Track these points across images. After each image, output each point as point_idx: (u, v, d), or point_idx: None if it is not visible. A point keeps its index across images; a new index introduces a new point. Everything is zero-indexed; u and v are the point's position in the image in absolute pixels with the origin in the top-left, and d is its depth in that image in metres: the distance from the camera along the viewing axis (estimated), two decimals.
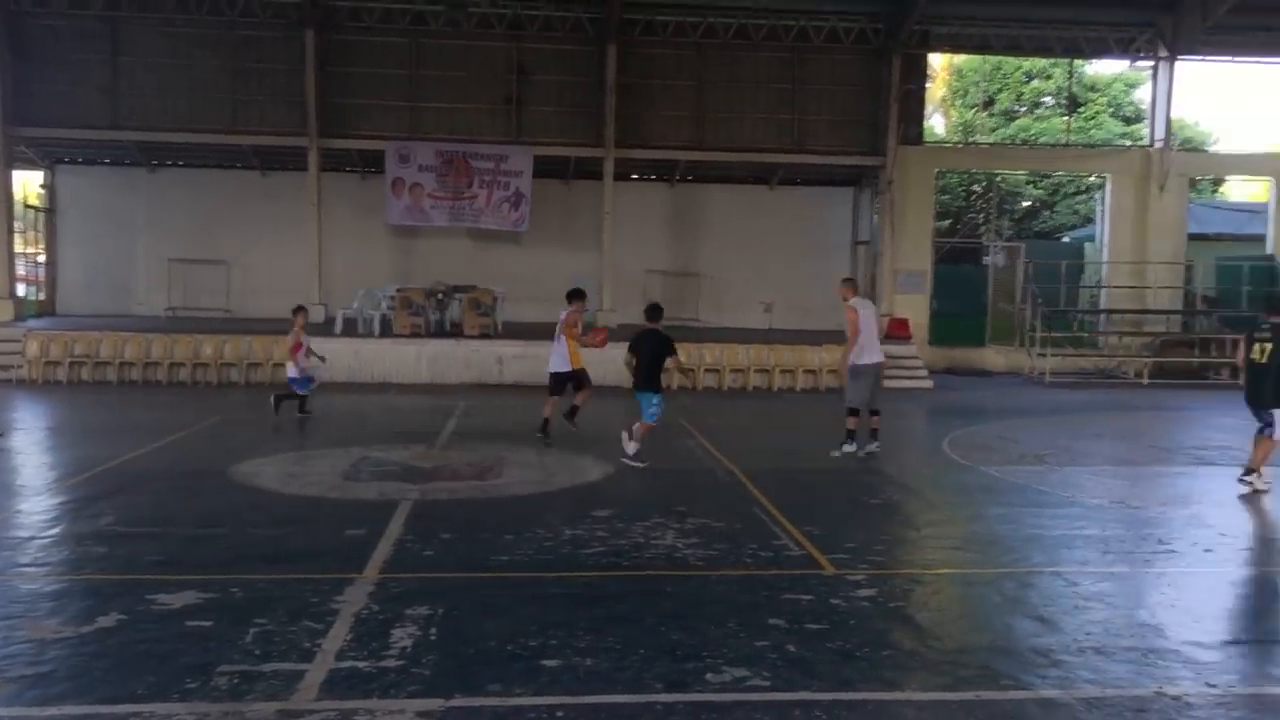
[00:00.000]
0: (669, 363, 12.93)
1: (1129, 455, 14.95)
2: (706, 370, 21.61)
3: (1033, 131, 37.81)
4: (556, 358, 14.32)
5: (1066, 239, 35.11)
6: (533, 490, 11.31)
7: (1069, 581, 8.10)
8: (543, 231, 26.87)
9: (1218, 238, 30.21)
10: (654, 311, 13.04)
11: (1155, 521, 10.40)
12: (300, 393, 16.17)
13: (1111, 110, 39.61)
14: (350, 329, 23.03)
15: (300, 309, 16.49)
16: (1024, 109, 41.61)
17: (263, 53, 25.03)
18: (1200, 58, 27.16)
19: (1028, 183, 37.73)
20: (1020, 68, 40.28)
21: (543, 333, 22.09)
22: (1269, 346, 11.68)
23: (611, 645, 6.46)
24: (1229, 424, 17.77)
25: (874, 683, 6.04)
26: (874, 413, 13.58)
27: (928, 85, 33.54)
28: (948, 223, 35.48)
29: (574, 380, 14.34)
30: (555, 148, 25.79)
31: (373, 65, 25.37)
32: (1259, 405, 11.85)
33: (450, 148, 25.09)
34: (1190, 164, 29.59)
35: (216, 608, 7.03)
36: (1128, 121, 38.60)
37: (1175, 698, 5.84)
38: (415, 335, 22.32)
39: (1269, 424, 11.70)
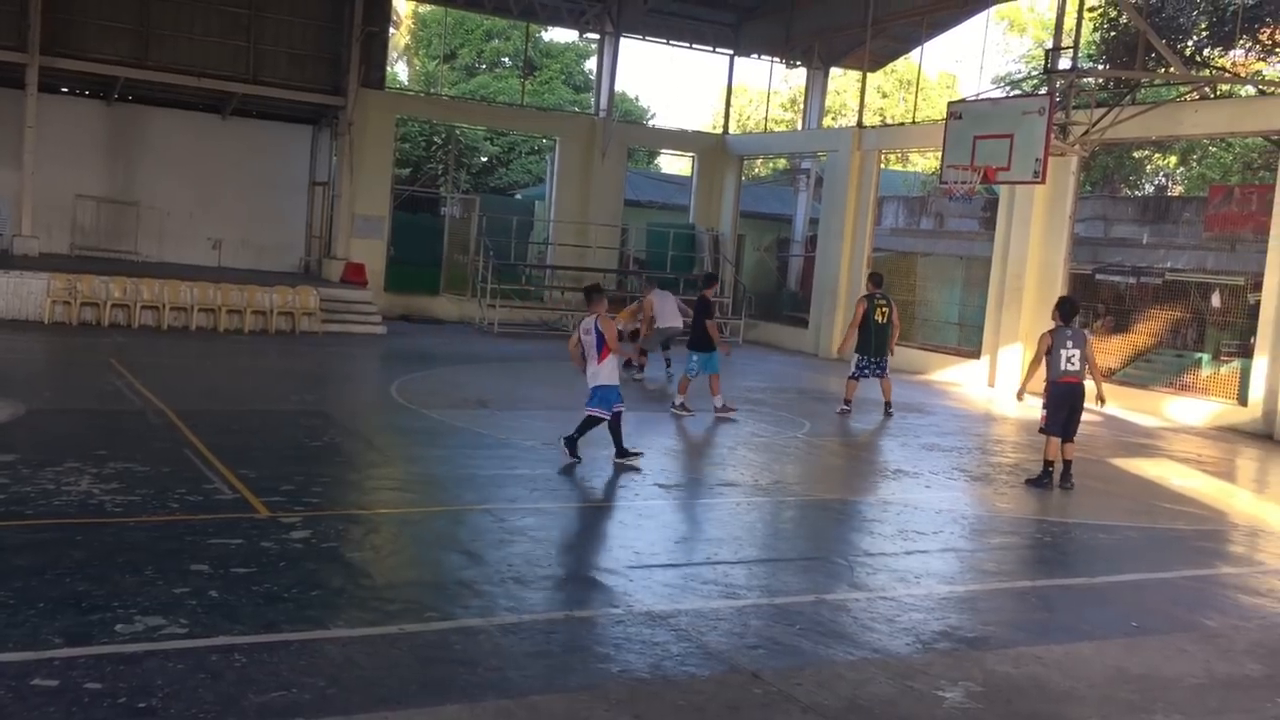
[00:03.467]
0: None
1: (562, 401, 15.92)
2: (144, 307, 20.05)
3: (491, 90, 39.00)
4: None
5: (519, 196, 36.72)
6: None
7: (497, 518, 8.51)
8: None
9: (650, 205, 33.09)
10: (708, 279, 16.40)
11: (581, 461, 11.22)
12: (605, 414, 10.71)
13: (564, 77, 41.89)
14: None
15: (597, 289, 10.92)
16: (484, 67, 42.81)
17: None
18: (640, 37, 29.43)
19: (486, 138, 38.90)
20: (482, 25, 41.31)
21: None
22: (886, 310, 15.45)
23: (4, 600, 5.81)
24: (650, 374, 19.61)
25: (300, 623, 5.96)
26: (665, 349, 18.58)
27: (392, 31, 33.42)
28: (408, 171, 35.69)
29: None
30: None
31: None
32: (882, 355, 15.49)
33: None
34: (629, 135, 32.07)
35: None
36: (578, 90, 41.04)
37: (582, 619, 6.35)
38: None
39: (884, 368, 15.61)
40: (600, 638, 6.05)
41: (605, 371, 10.62)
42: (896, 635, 6.53)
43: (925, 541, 8.99)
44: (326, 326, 21.37)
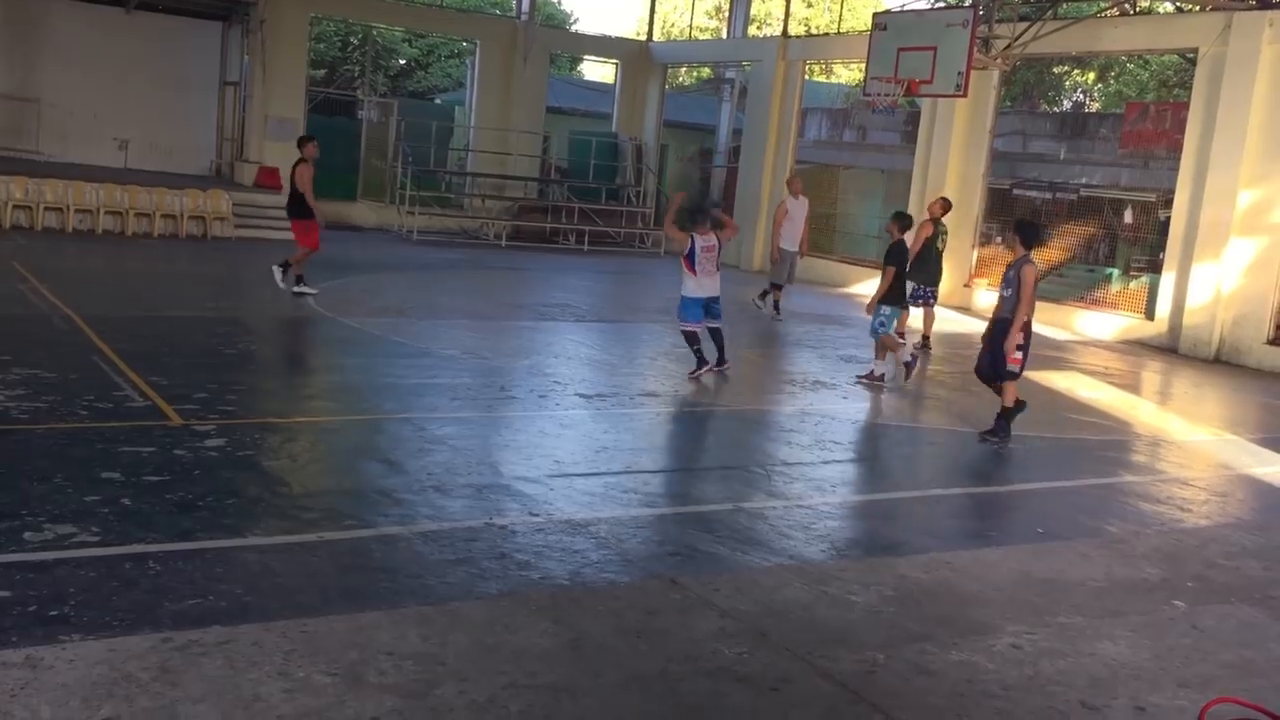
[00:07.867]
0: None
1: (482, 310, 15.85)
2: (47, 209, 19.37)
3: None
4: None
5: (439, 101, 35.92)
6: None
7: (417, 427, 8.46)
8: None
9: (572, 112, 32.62)
10: (903, 219, 12.43)
11: (500, 371, 11.18)
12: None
13: None
14: None
15: None
16: None
17: None
18: None
19: (404, 40, 37.89)
20: None
21: None
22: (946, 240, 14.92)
23: None
24: (571, 284, 19.54)
25: (215, 531, 5.89)
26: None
27: None
28: (323, 72, 34.70)
29: None
30: None
31: None
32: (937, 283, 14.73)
33: None
34: (552, 40, 31.46)
35: None
36: None
37: (502, 527, 6.36)
38: None
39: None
40: (520, 545, 6.08)
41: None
42: (812, 542, 6.66)
43: (841, 451, 9.14)
44: (239, 232, 20.87)
